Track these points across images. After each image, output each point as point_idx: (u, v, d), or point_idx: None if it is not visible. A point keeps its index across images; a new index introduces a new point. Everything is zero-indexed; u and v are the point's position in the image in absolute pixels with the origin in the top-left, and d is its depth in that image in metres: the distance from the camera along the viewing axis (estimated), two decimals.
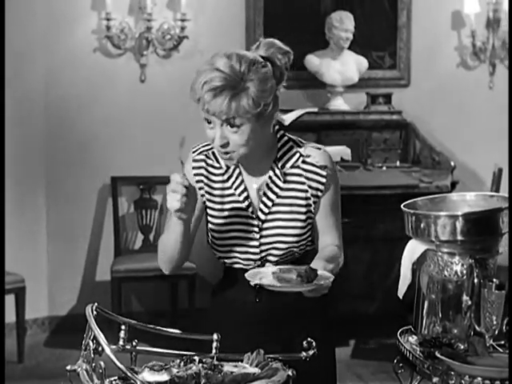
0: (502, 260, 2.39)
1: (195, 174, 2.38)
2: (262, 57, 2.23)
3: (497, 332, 2.12)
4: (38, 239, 5.44)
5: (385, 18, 5.83)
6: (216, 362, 1.94)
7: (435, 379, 2.05)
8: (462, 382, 1.98)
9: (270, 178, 2.33)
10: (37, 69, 5.32)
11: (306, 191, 2.31)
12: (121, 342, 2.00)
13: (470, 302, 2.15)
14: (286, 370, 1.94)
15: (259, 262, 2.34)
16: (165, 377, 1.85)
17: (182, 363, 1.92)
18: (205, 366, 1.90)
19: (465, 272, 2.16)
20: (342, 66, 5.60)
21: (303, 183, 2.32)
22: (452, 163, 5.57)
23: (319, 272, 2.13)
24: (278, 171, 2.32)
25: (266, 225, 2.32)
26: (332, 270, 2.20)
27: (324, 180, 2.31)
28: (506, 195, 2.30)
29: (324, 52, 5.63)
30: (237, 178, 2.35)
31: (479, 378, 1.96)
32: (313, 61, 5.59)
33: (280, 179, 2.32)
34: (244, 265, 2.36)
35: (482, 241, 2.17)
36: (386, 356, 2.73)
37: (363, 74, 5.73)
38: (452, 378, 2.00)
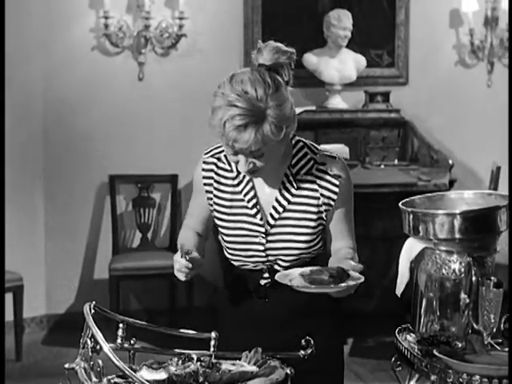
0: (500, 258, 2.39)
1: (204, 177, 2.37)
2: (268, 66, 2.18)
3: (495, 330, 2.12)
4: (35, 237, 5.44)
5: (383, 16, 5.83)
6: (214, 361, 1.94)
7: (433, 377, 2.05)
8: (460, 379, 1.97)
9: (282, 183, 2.31)
10: (35, 67, 5.32)
11: (318, 198, 2.30)
12: (119, 341, 2.00)
13: (467, 300, 2.14)
14: (285, 369, 1.94)
15: (268, 264, 2.34)
16: (163, 375, 1.85)
17: (180, 361, 1.92)
18: (203, 364, 1.90)
19: (463, 270, 2.16)
20: (340, 65, 5.60)
21: (316, 190, 2.30)
22: (450, 161, 5.57)
23: (350, 272, 2.14)
24: (291, 177, 2.31)
25: (274, 230, 2.31)
26: (360, 270, 2.19)
27: (337, 189, 2.30)
28: (504, 193, 2.30)
29: (322, 50, 5.63)
30: (247, 184, 2.33)
31: (477, 376, 1.96)
32: (311, 59, 5.58)
33: (293, 185, 2.31)
34: (252, 266, 2.36)
35: (480, 239, 2.17)
36: (384, 354, 2.73)
37: (361, 73, 5.72)
38: (450, 375, 2.00)
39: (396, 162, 5.64)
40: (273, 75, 2.16)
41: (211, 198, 2.36)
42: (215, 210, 2.37)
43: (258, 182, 2.33)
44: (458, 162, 5.78)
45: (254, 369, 1.93)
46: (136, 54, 5.49)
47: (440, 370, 2.03)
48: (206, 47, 5.55)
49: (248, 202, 2.32)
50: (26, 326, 5.29)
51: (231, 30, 5.58)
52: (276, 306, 2.33)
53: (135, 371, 1.85)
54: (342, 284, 2.09)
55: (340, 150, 5.17)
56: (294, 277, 2.16)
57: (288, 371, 1.93)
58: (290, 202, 2.30)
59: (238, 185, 2.34)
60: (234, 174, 2.34)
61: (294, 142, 2.33)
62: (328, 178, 2.30)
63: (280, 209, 2.31)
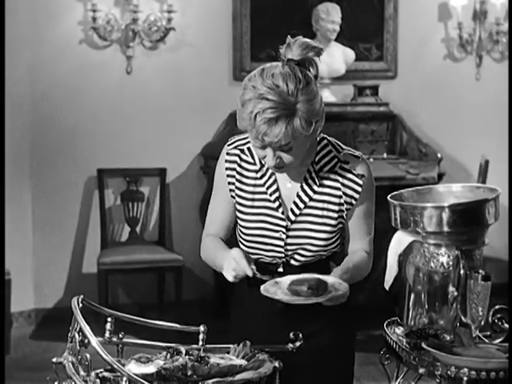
0: (489, 251, 2.39)
1: (227, 168, 2.36)
2: (296, 60, 2.19)
3: (483, 323, 2.13)
4: (23, 232, 5.42)
5: (372, 9, 5.83)
6: (203, 354, 1.94)
7: (421, 370, 2.05)
8: (448, 372, 1.98)
9: (305, 179, 2.31)
10: (22, 61, 5.30)
11: (340, 197, 2.31)
12: (107, 334, 2.00)
13: (456, 293, 2.15)
14: (273, 362, 1.94)
15: (284, 260, 2.33)
16: (151, 369, 1.84)
17: (169, 355, 1.92)
18: (191, 357, 1.90)
19: (451, 263, 2.16)
20: (328, 58, 5.59)
21: (338, 189, 2.31)
22: (439, 155, 5.58)
23: (330, 282, 2.15)
24: (314, 174, 2.31)
25: (294, 226, 2.31)
26: (349, 280, 2.21)
27: (360, 189, 2.31)
28: (493, 186, 2.30)
29: None
30: (270, 177, 2.33)
31: (465, 369, 1.96)
32: None
33: (315, 182, 2.31)
34: (269, 261, 2.35)
35: (468, 232, 2.17)
36: (373, 347, 2.73)
37: (350, 66, 5.73)
38: (438, 368, 2.00)
39: (385, 155, 5.65)
40: (303, 70, 2.17)
41: (233, 190, 2.36)
42: (237, 202, 2.36)
43: (281, 176, 2.32)
44: (447, 156, 5.79)
45: (242, 362, 1.93)
46: (124, 47, 5.48)
47: (428, 362, 2.03)
48: (194, 41, 5.53)
49: (270, 195, 2.32)
50: (14, 321, 5.28)
51: (220, 23, 5.56)
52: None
53: (123, 365, 1.85)
54: (318, 297, 2.11)
55: None
56: (282, 286, 2.17)
57: (276, 364, 1.93)
58: (311, 199, 2.30)
59: (260, 178, 2.33)
60: (257, 167, 2.34)
61: (318, 138, 2.33)
62: (351, 176, 2.32)
63: (301, 205, 2.30)
